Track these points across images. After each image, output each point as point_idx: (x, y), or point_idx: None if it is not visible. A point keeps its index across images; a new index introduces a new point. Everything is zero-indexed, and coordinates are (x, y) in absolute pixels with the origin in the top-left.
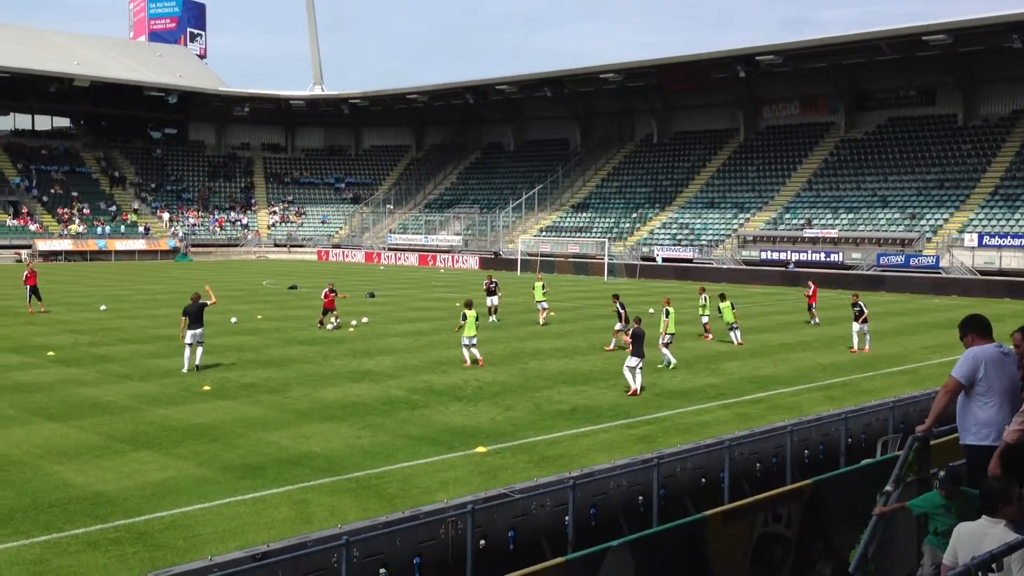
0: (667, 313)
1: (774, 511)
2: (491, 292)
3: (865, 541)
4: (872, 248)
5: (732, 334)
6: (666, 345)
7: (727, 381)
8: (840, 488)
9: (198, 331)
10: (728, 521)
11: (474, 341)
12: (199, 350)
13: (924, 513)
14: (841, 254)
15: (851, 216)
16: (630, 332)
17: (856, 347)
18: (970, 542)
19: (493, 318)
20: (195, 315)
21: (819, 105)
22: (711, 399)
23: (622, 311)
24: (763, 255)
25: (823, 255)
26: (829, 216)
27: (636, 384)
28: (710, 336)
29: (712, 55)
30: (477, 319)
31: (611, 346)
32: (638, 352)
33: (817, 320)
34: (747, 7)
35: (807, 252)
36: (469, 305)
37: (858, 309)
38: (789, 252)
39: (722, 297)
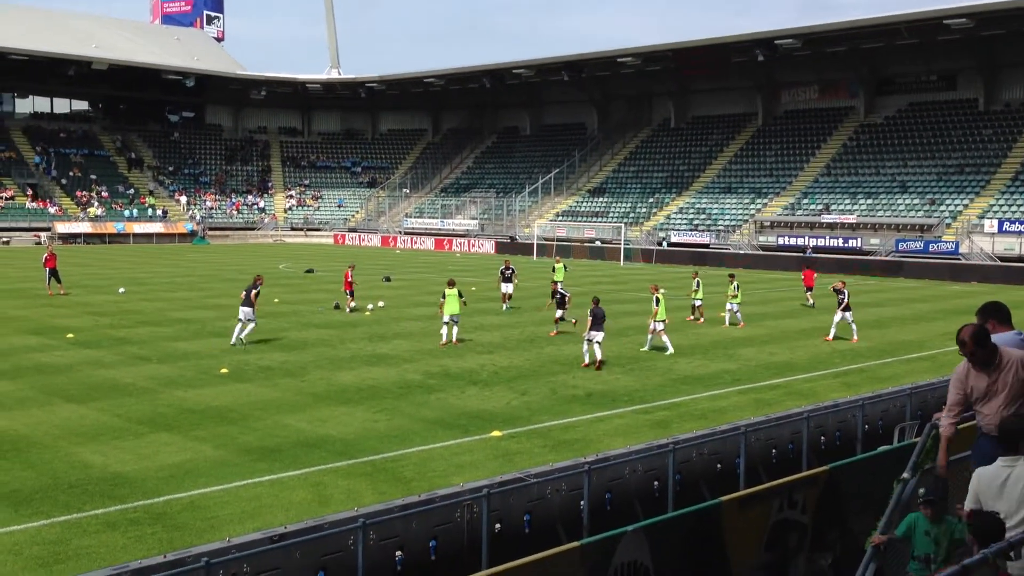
0: (657, 300)
1: (790, 497)
2: (507, 279)
3: (881, 529)
4: (891, 234)
5: (736, 315)
6: (658, 332)
7: (743, 367)
8: (857, 475)
9: (246, 310)
10: (744, 507)
11: (456, 319)
12: (248, 326)
13: (907, 536)
14: (859, 240)
15: (870, 202)
16: (589, 311)
17: (832, 336)
18: (992, 484)
19: (506, 305)
20: (246, 295)
21: (839, 89)
22: (727, 385)
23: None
24: (780, 241)
25: (841, 241)
26: (847, 201)
27: (588, 359)
28: (702, 320)
29: (730, 39)
30: (461, 296)
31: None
32: (597, 327)
33: (812, 303)
34: None
35: (825, 238)
36: (451, 284)
37: (842, 296)
38: (807, 238)
39: (731, 277)
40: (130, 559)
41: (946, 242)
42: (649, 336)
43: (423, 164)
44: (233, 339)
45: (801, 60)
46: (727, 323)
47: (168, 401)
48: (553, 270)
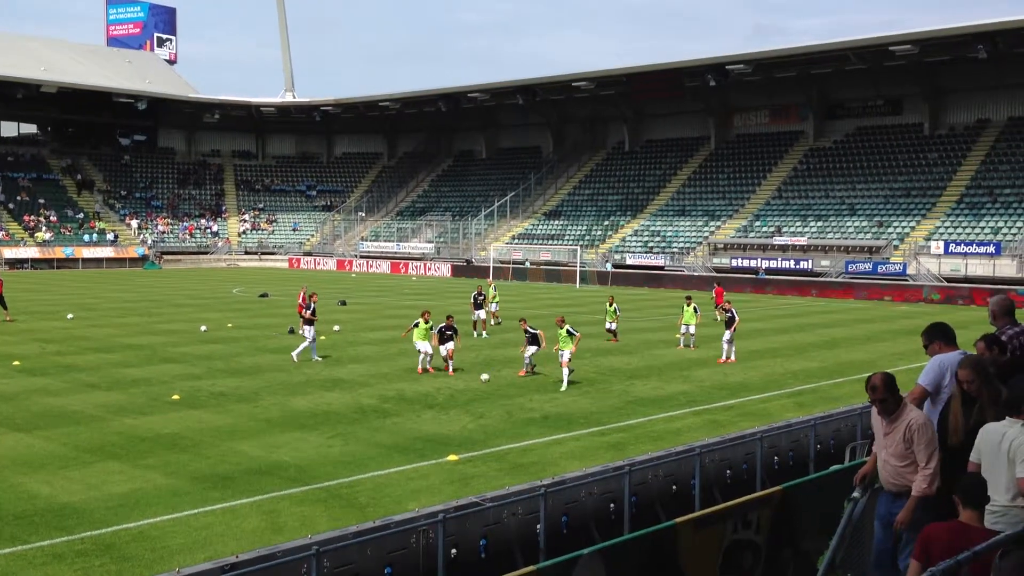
0: (569, 333)
1: (744, 518)
2: (478, 306)
3: (833, 548)
4: (841, 256)
5: (688, 338)
6: (566, 363)
7: (698, 388)
8: (809, 494)
9: (309, 328)
10: (699, 528)
11: (429, 349)
12: (302, 344)
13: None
14: (810, 261)
15: (820, 224)
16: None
17: (724, 357)
18: (991, 440)
19: (483, 333)
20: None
21: (789, 114)
22: (682, 406)
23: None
24: (734, 262)
25: (793, 263)
26: (799, 224)
27: (526, 368)
28: (615, 340)
29: (683, 64)
30: (432, 330)
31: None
32: (534, 342)
33: (718, 318)
34: (719, 16)
35: (777, 260)
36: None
37: (730, 316)
38: (759, 259)
39: (688, 300)
40: None
41: (894, 263)
42: (564, 369)
43: (379, 187)
44: (305, 355)
45: (752, 85)
46: (680, 345)
47: (117, 429)
48: (480, 294)
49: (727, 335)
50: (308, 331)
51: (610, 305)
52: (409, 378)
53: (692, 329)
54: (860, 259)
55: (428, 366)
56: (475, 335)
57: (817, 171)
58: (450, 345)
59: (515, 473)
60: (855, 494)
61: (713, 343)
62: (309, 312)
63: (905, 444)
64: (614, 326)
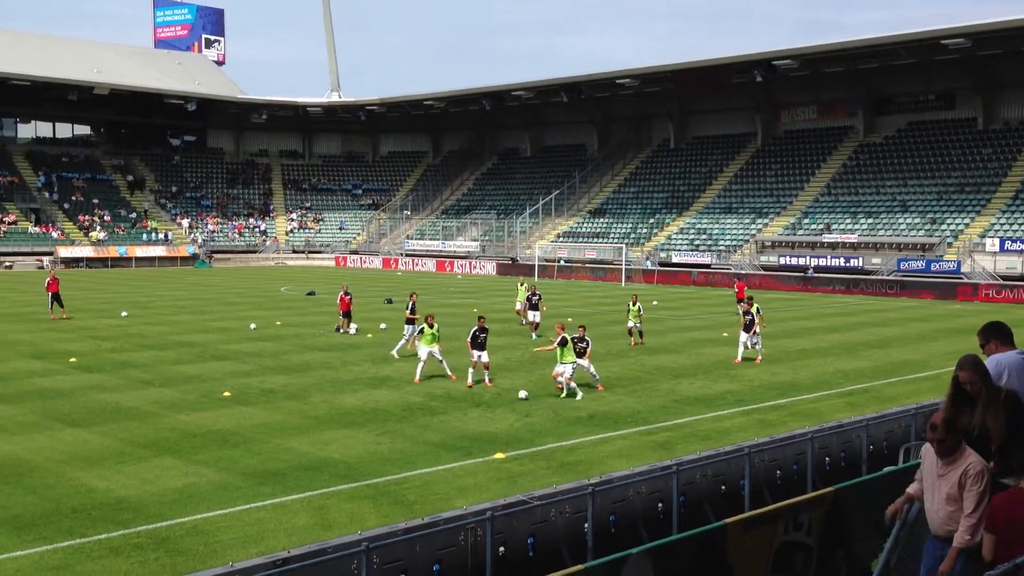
0: (563, 341)
1: (795, 519)
2: (534, 307)
3: (887, 551)
4: (892, 253)
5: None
6: (568, 377)
7: (746, 387)
8: (862, 496)
9: (409, 327)
10: (749, 528)
11: (438, 355)
12: (400, 342)
13: None
14: (861, 259)
15: (871, 221)
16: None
17: (740, 358)
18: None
19: (533, 335)
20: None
21: (837, 109)
22: (730, 406)
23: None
24: (782, 260)
25: (842, 260)
26: (848, 221)
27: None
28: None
29: (729, 60)
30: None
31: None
32: (479, 346)
33: (740, 312)
34: (765, 10)
35: (826, 257)
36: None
37: (750, 318)
38: (808, 257)
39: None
40: None
41: (948, 261)
42: (567, 382)
43: (424, 186)
44: (408, 351)
45: (800, 80)
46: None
47: (171, 425)
48: (535, 294)
49: (745, 336)
50: (407, 329)
51: (633, 304)
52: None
53: (753, 336)
54: (912, 257)
55: (448, 373)
56: (533, 336)
57: (867, 167)
58: (485, 356)
59: (562, 472)
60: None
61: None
62: (409, 311)
63: (959, 489)
64: (639, 325)
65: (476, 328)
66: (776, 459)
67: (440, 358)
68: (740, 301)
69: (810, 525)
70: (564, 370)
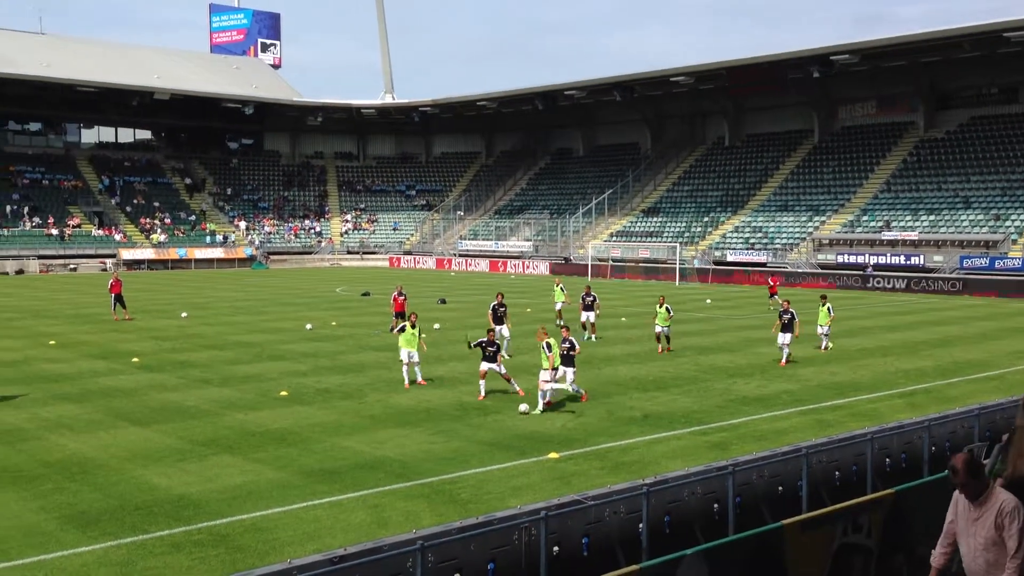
0: (548, 347)
1: (854, 521)
2: (588, 307)
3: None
4: (955, 250)
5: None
6: (547, 381)
7: (803, 387)
8: (924, 498)
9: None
10: (806, 530)
11: (415, 358)
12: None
13: None
14: (922, 257)
15: (932, 218)
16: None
17: (784, 360)
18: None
19: (591, 336)
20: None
21: (897, 105)
22: (787, 405)
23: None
24: (839, 258)
25: (903, 258)
26: (909, 218)
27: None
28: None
29: (785, 55)
30: (422, 334)
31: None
32: (498, 320)
33: (772, 308)
34: (819, 5)
35: (886, 255)
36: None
37: (788, 317)
38: (867, 255)
39: (823, 299)
40: None
41: (1012, 258)
42: (544, 387)
43: (477, 186)
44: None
45: (858, 75)
46: (823, 347)
47: (229, 423)
48: (589, 294)
49: (785, 338)
50: (504, 329)
51: (660, 306)
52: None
53: (826, 329)
54: (976, 254)
55: (418, 378)
56: (584, 338)
57: (928, 163)
58: (502, 368)
59: (616, 472)
60: None
61: (819, 341)
62: (495, 311)
63: (996, 531)
64: (667, 330)
65: (495, 303)
66: (835, 460)
67: (417, 361)
68: (772, 296)
69: (870, 527)
70: (544, 377)
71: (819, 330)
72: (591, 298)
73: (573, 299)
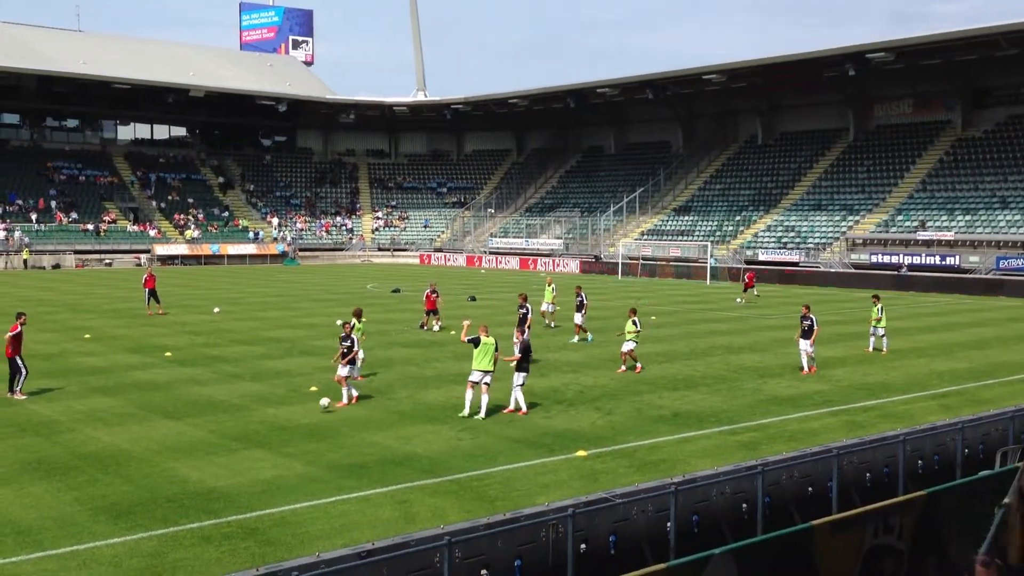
0: (475, 341)
1: (886, 522)
2: (577, 308)
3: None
4: (991, 251)
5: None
6: (475, 382)
7: (835, 388)
8: (956, 500)
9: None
10: (837, 531)
11: (487, 379)
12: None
13: None
14: (958, 257)
15: (968, 218)
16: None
17: (806, 367)
18: None
19: (580, 338)
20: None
21: (933, 103)
22: (818, 406)
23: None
24: (873, 258)
25: (938, 258)
26: (945, 218)
27: (523, 404)
28: (637, 368)
29: (820, 53)
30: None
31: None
32: (523, 367)
33: (739, 301)
34: (856, 3)
35: (921, 255)
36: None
37: (808, 323)
38: (902, 255)
39: (875, 299)
40: (223, 572)
41: None
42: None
43: (508, 184)
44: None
45: (894, 74)
46: (871, 348)
47: (260, 418)
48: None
49: (805, 344)
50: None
51: (629, 319)
52: (537, 373)
53: (881, 331)
54: (1013, 255)
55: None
56: (574, 339)
57: (965, 162)
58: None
59: (644, 470)
60: (1007, 500)
61: (850, 341)
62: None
63: None
64: (630, 347)
65: (518, 305)
66: (866, 461)
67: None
68: (747, 290)
69: (901, 529)
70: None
71: (874, 331)
72: (579, 299)
73: (565, 301)
